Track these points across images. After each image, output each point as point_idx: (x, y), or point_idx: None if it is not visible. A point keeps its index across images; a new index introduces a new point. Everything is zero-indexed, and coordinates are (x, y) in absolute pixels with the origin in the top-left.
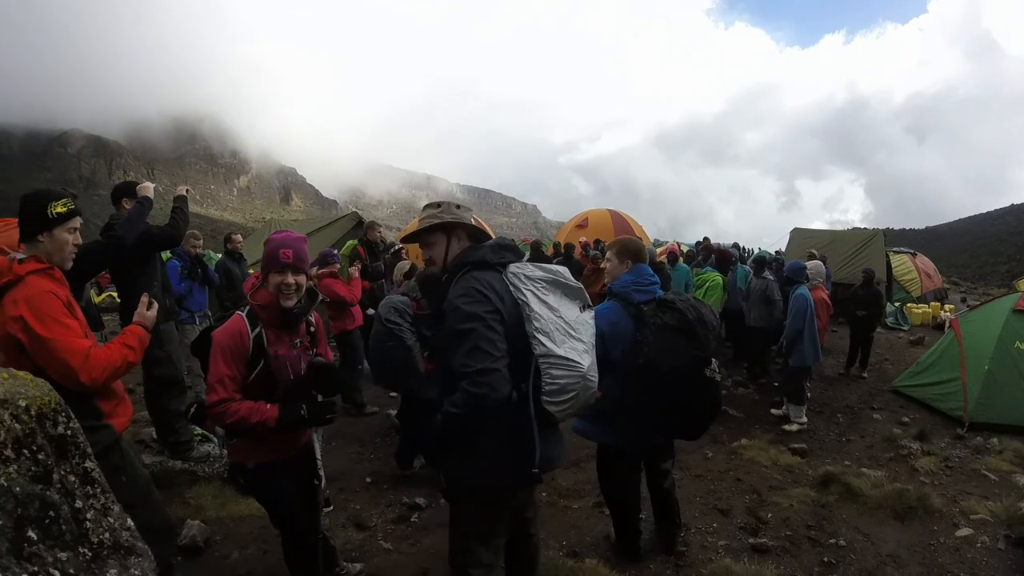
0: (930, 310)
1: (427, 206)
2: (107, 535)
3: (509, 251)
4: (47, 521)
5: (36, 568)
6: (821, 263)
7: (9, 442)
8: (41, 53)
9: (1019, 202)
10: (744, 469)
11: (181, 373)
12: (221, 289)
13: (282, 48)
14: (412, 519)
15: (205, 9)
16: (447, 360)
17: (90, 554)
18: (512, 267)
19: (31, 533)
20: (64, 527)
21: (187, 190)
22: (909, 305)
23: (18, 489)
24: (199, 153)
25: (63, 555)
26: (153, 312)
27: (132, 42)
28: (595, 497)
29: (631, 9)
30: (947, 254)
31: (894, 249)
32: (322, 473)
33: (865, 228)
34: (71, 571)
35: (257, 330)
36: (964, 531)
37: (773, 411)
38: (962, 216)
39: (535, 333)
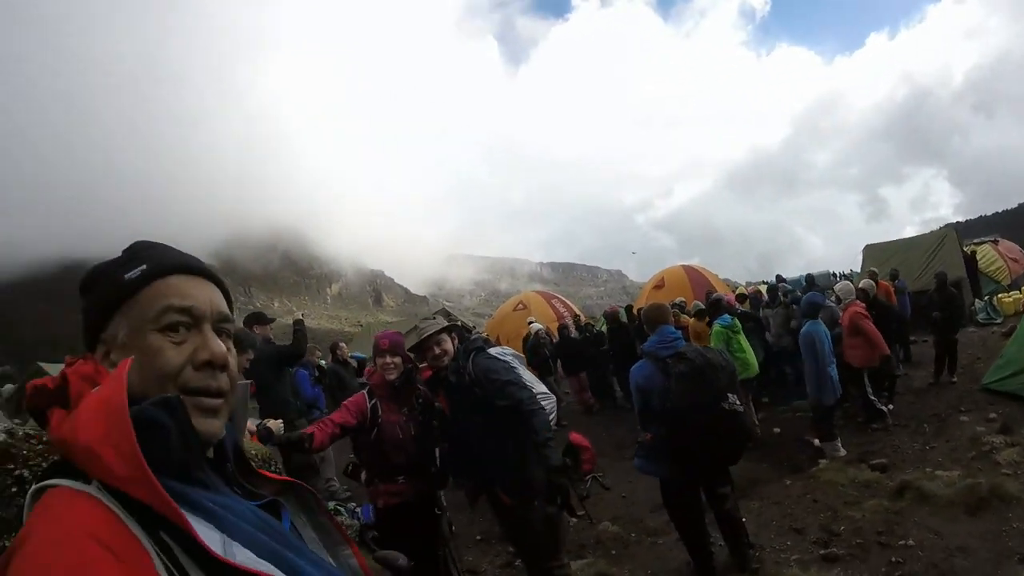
0: (1022, 295)
1: (424, 319)
2: None
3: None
4: None
5: None
6: (846, 284)
7: None
8: (138, 187)
9: None
10: (821, 491)
11: (315, 460)
12: (334, 391)
13: (346, 149)
14: (516, 563)
15: (274, 124)
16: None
17: None
18: (494, 350)
19: None
20: None
21: (302, 314)
22: (1000, 296)
23: None
24: (289, 268)
25: None
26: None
27: (217, 166)
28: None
29: (668, 57)
30: None
31: (975, 241)
32: (448, 519)
33: (939, 229)
34: None
35: (373, 401)
36: None
37: (815, 442)
38: None
39: (527, 384)
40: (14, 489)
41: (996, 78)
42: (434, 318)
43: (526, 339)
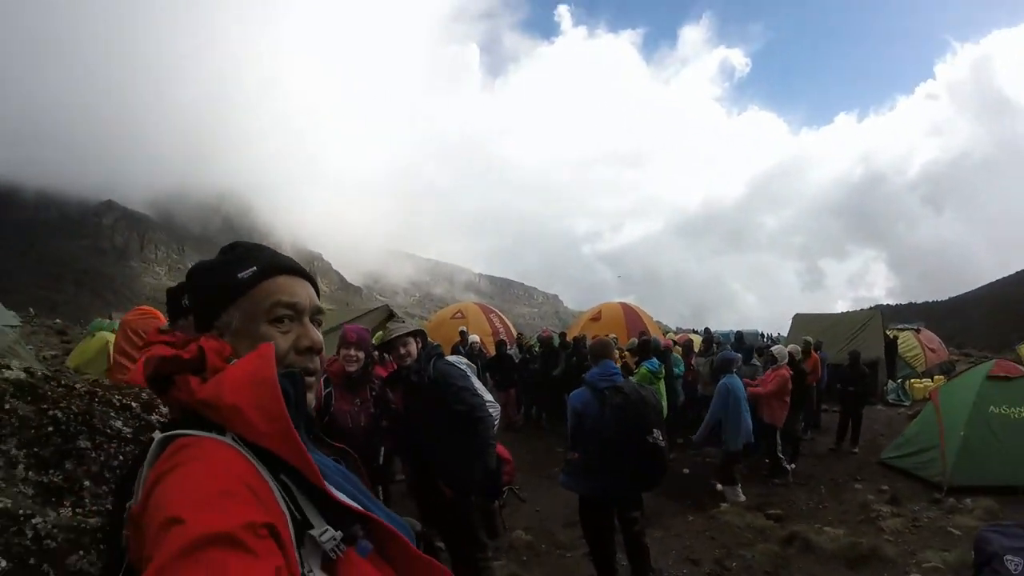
0: (933, 384)
1: (393, 319)
2: None
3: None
4: None
5: None
6: (783, 348)
7: None
8: (88, 124)
9: None
10: (719, 530)
11: None
12: None
13: (309, 127)
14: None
15: (233, 88)
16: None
17: None
18: (451, 358)
19: None
20: None
21: None
22: (912, 381)
23: None
24: (228, 233)
25: None
26: None
27: (169, 118)
28: (586, 549)
29: (642, 99)
30: (971, 324)
31: (899, 327)
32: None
33: (864, 309)
34: None
35: (328, 389)
36: None
37: (719, 487)
38: (988, 280)
39: (477, 391)
40: (50, 429)
41: (951, 176)
42: (403, 321)
43: (455, 346)
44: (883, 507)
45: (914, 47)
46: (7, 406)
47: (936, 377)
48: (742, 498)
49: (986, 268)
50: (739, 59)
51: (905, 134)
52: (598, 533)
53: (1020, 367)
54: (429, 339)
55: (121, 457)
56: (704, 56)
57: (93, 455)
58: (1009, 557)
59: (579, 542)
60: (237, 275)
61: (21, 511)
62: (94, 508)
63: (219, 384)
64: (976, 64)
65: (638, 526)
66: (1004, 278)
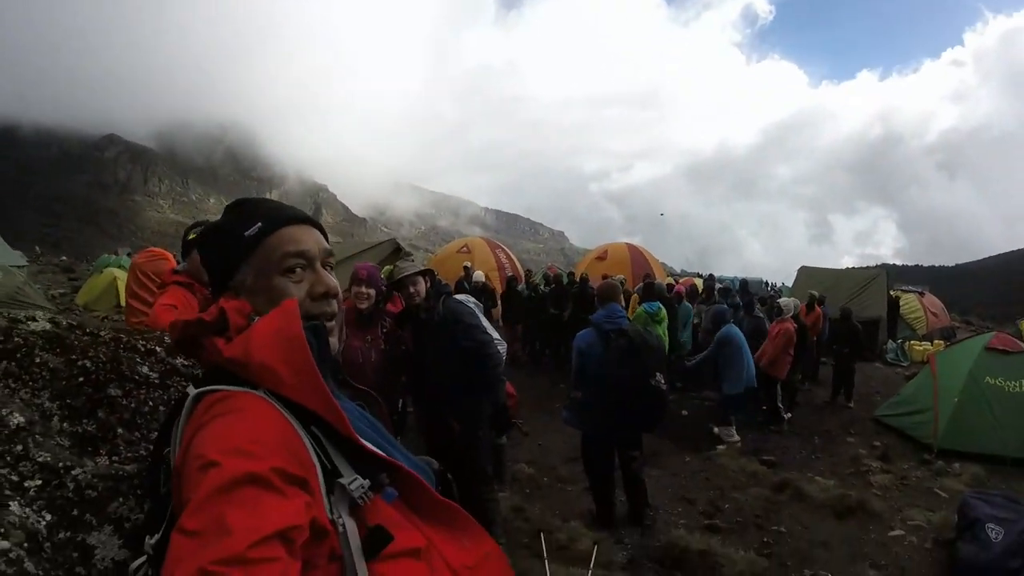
0: (932, 348)
1: (404, 256)
2: None
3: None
4: None
5: None
6: (790, 301)
7: None
8: (86, 57)
9: None
10: (714, 472)
11: None
12: None
13: (313, 55)
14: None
15: (235, 17)
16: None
17: None
18: (460, 296)
19: None
20: None
21: None
22: (912, 342)
23: None
24: (231, 164)
25: None
26: None
27: (171, 49)
28: (586, 483)
29: (661, 40)
30: (975, 292)
31: (903, 288)
32: None
33: (874, 267)
34: None
35: None
36: (897, 532)
37: (715, 429)
38: (997, 252)
39: (487, 329)
40: (80, 379)
41: (968, 145)
42: (412, 259)
43: (459, 281)
44: (874, 462)
45: (945, 11)
46: (37, 359)
47: (936, 341)
48: (736, 438)
49: (995, 240)
50: (763, 6)
51: (927, 98)
52: (598, 469)
53: (1019, 343)
54: (437, 277)
55: (151, 403)
56: (727, 0)
57: (124, 402)
58: (991, 525)
59: (579, 476)
60: (243, 233)
61: (61, 463)
62: (129, 455)
63: (246, 343)
64: (1006, 36)
65: (637, 464)
66: (1012, 251)
